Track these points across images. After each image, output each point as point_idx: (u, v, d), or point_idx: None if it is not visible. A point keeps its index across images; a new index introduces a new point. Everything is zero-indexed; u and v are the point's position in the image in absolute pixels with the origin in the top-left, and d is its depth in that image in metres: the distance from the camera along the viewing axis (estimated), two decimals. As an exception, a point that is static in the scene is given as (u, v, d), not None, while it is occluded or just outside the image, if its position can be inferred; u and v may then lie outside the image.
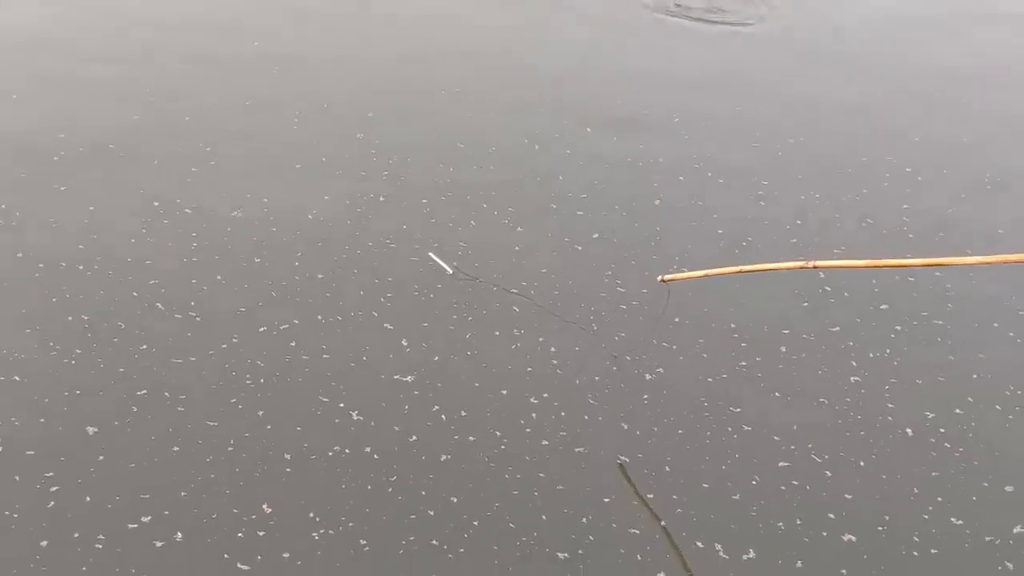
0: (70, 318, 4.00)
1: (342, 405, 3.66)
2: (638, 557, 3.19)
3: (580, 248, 4.71)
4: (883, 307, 4.43)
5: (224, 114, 5.68)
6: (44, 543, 3.10)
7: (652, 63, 6.75)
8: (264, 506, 3.26)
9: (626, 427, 3.66)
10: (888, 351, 4.16)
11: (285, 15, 7.07)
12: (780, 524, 3.32)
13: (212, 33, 6.71)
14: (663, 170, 5.39)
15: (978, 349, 4.22)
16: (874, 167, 5.57)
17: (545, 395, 3.80)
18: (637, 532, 3.27)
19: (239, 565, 3.06)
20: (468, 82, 6.31)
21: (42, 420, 3.53)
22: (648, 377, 3.91)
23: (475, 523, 3.25)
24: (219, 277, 4.30)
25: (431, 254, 4.50)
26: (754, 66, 6.83)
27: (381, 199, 4.95)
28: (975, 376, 4.05)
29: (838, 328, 4.26)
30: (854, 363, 4.06)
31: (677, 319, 4.20)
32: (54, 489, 3.26)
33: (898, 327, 4.32)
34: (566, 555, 3.16)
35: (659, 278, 4.01)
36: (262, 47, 6.52)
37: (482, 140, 5.59)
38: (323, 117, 5.73)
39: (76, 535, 3.12)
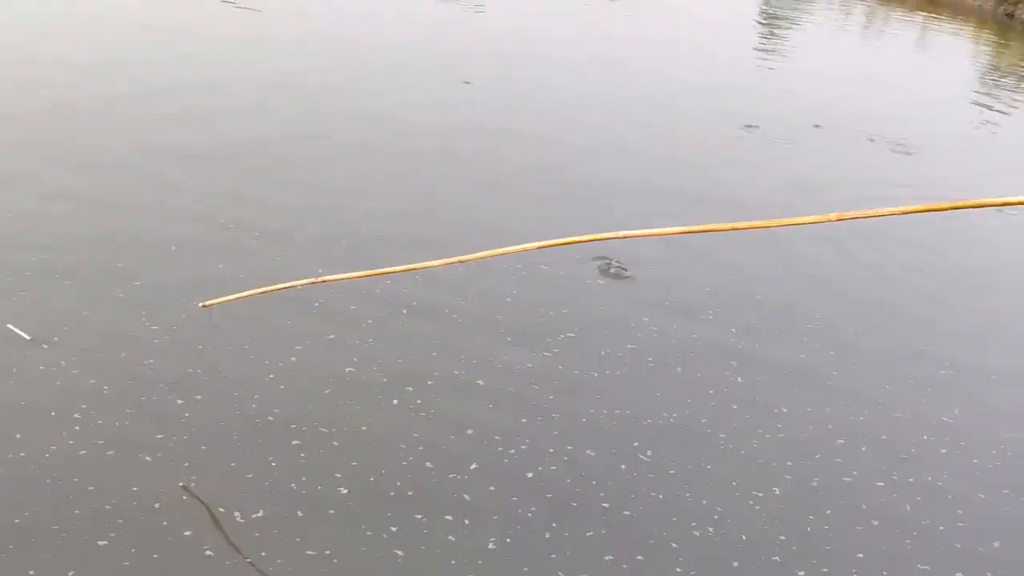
0: None
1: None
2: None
3: (122, 295, 4.89)
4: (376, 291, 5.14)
5: None
6: None
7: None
8: None
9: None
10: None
11: None
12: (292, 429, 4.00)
13: None
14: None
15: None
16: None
17: (84, 406, 4.00)
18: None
19: None
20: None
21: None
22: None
23: None
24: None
25: (9, 325, 4.49)
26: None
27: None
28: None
29: (340, 319, 4.88)
30: (356, 340, 4.72)
31: (201, 346, 4.51)
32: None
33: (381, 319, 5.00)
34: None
35: (199, 304, 4.21)
36: None
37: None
38: None
39: None
